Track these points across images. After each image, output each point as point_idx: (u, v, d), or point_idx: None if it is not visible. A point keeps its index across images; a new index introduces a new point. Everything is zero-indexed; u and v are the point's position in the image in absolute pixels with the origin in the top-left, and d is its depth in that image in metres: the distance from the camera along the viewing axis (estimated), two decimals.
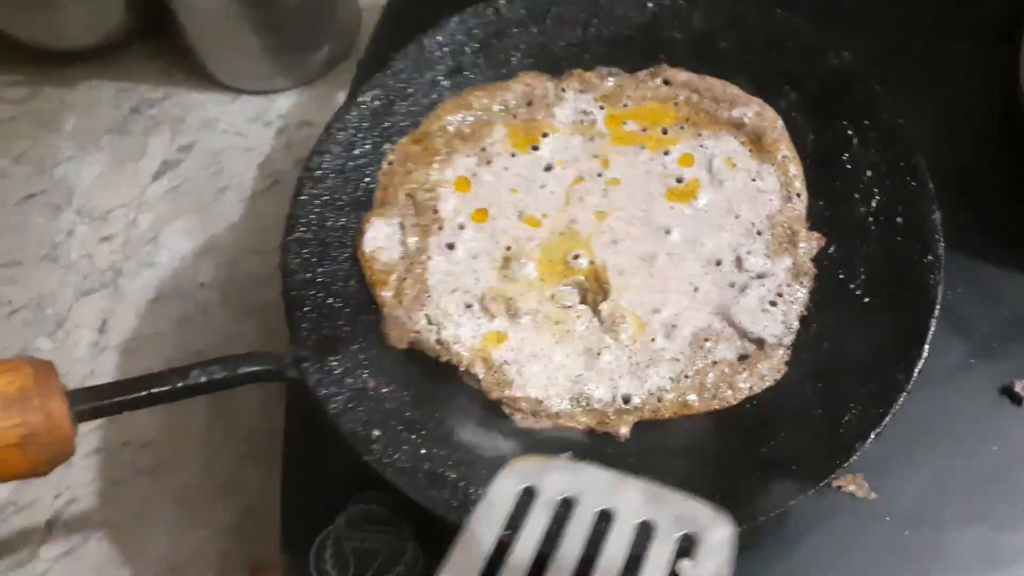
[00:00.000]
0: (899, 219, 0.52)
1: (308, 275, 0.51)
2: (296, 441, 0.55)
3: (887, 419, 0.46)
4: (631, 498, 0.35)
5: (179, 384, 0.45)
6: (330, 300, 0.51)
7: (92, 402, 0.44)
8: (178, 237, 0.68)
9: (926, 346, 0.47)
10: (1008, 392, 0.53)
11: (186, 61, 0.73)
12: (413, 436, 0.48)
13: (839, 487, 0.51)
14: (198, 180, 0.70)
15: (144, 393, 0.45)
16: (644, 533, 0.35)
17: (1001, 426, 0.52)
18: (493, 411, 0.50)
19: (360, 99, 0.56)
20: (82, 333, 0.65)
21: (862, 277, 0.52)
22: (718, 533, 0.34)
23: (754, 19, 0.57)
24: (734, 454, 0.48)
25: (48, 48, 0.73)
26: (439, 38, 0.58)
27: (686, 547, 0.34)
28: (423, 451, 0.48)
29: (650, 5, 0.58)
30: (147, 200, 0.70)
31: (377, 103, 0.56)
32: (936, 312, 0.48)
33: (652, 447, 0.49)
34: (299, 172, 0.54)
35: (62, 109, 0.74)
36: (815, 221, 0.54)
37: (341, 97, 0.70)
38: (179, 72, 0.74)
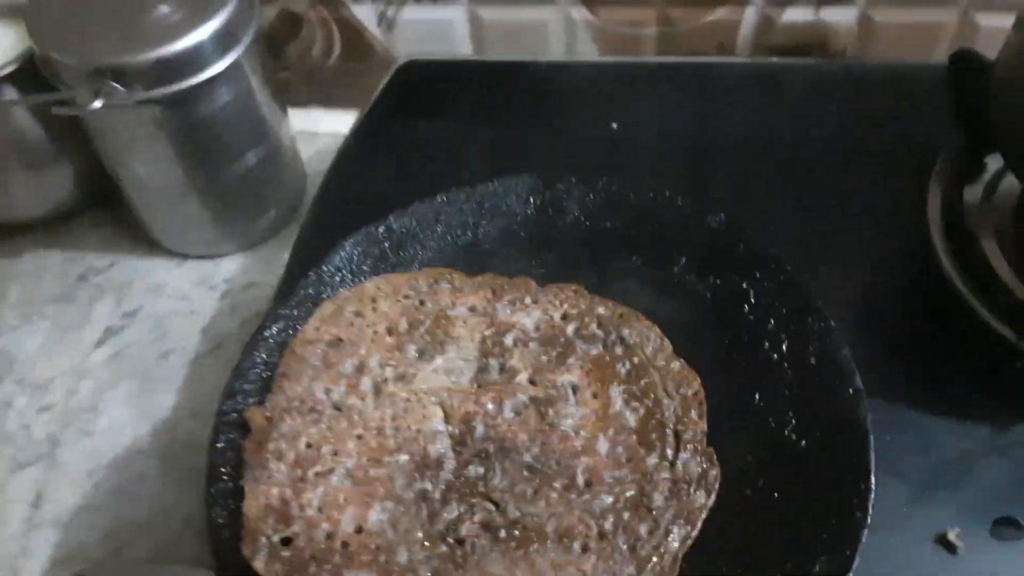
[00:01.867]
0: (812, 359, 0.51)
1: (235, 527, 0.48)
2: None
3: (857, 559, 0.43)
4: None
5: None
6: None
7: None
8: (118, 404, 0.64)
9: (872, 478, 0.45)
10: (942, 541, 0.50)
11: (133, 229, 0.71)
12: None
13: None
14: (141, 345, 0.67)
15: None
16: None
17: (937, 574, 0.49)
18: None
19: (265, 333, 0.54)
20: (15, 508, 0.60)
21: (792, 421, 0.49)
22: None
23: (630, 199, 0.58)
24: None
25: None
26: (336, 263, 0.57)
27: None
28: None
29: (532, 200, 0.59)
30: (89, 367, 0.66)
31: (285, 334, 0.54)
32: (871, 443, 0.47)
33: None
34: (217, 405, 0.51)
35: (7, 279, 0.71)
36: (731, 373, 0.53)
37: (286, 258, 0.67)
38: (125, 239, 0.72)
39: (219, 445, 0.50)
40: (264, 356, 0.53)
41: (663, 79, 0.77)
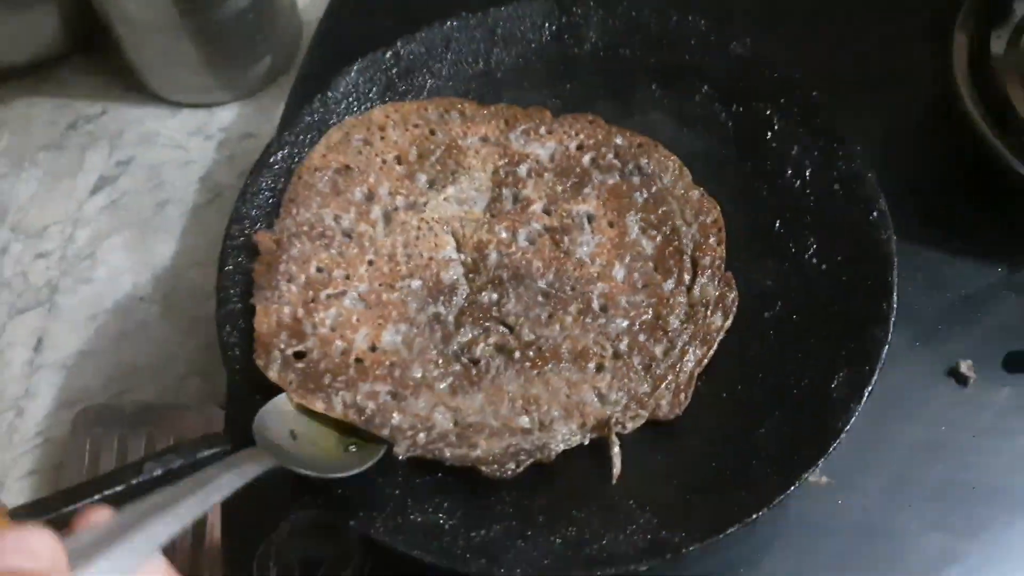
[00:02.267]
0: (836, 186, 0.50)
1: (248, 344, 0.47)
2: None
3: (875, 376, 0.43)
4: None
5: (134, 481, 0.41)
6: None
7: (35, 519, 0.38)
8: (117, 252, 0.63)
9: (894, 297, 0.45)
10: (954, 374, 0.51)
11: (124, 76, 0.68)
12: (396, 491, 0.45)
13: None
14: (137, 194, 0.66)
15: (97, 497, 0.40)
16: None
17: (948, 407, 0.51)
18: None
19: (270, 159, 0.52)
20: (16, 351, 0.59)
21: (813, 246, 0.49)
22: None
23: (651, 23, 0.56)
24: (732, 441, 0.45)
25: None
26: (341, 89, 0.55)
27: None
28: (409, 501, 0.44)
29: (547, 26, 0.57)
30: (84, 216, 0.65)
31: (291, 161, 0.53)
32: (895, 264, 0.46)
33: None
34: (224, 234, 0.50)
35: None
36: (752, 201, 0.52)
37: (282, 108, 0.65)
38: (117, 87, 0.69)
39: (227, 268, 0.49)
40: (270, 182, 0.52)
41: None
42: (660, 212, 0.51)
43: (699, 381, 0.47)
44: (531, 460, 0.44)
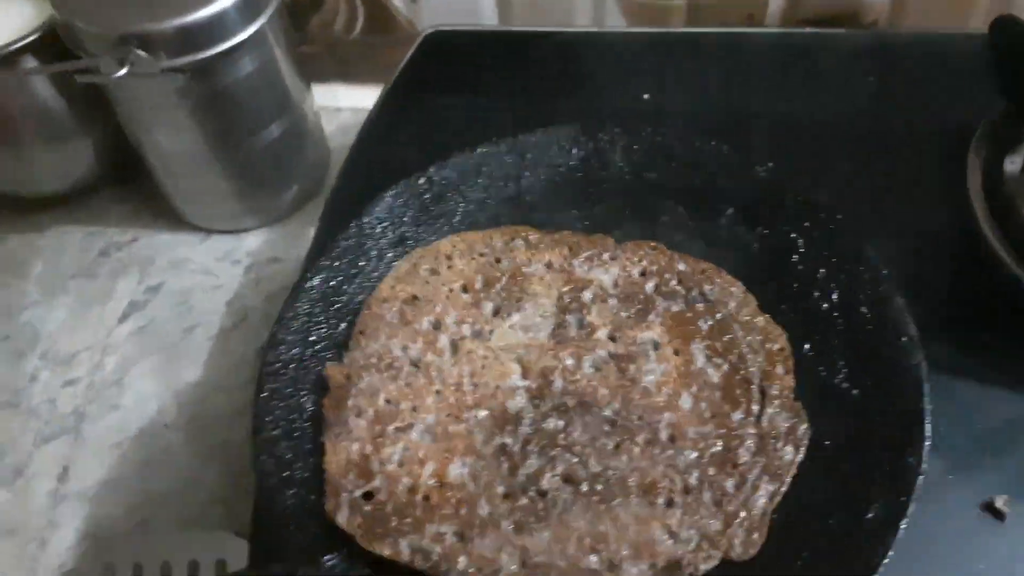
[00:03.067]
0: (863, 308, 0.50)
1: (285, 474, 0.48)
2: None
3: (911, 506, 0.43)
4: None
5: None
6: (312, 496, 0.48)
7: None
8: (144, 378, 0.64)
9: (926, 424, 0.45)
10: (990, 508, 0.50)
11: (155, 204, 0.71)
12: None
13: None
14: (166, 320, 0.67)
15: None
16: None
17: (985, 543, 0.49)
18: None
19: (307, 284, 0.54)
20: (41, 481, 0.59)
21: (844, 371, 0.49)
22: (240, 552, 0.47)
23: (674, 147, 0.58)
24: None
25: (18, 195, 0.71)
26: (376, 214, 0.57)
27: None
28: None
29: (575, 151, 0.59)
30: (113, 342, 0.66)
31: (326, 286, 0.54)
32: (926, 390, 0.46)
33: None
34: (258, 361, 0.52)
35: (31, 254, 0.71)
36: (780, 323, 0.52)
37: (310, 233, 0.67)
38: (148, 215, 0.73)
39: (263, 395, 0.49)
40: (306, 307, 0.53)
41: (693, 50, 0.77)
42: (725, 339, 0.51)
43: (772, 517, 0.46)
44: None
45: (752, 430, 0.48)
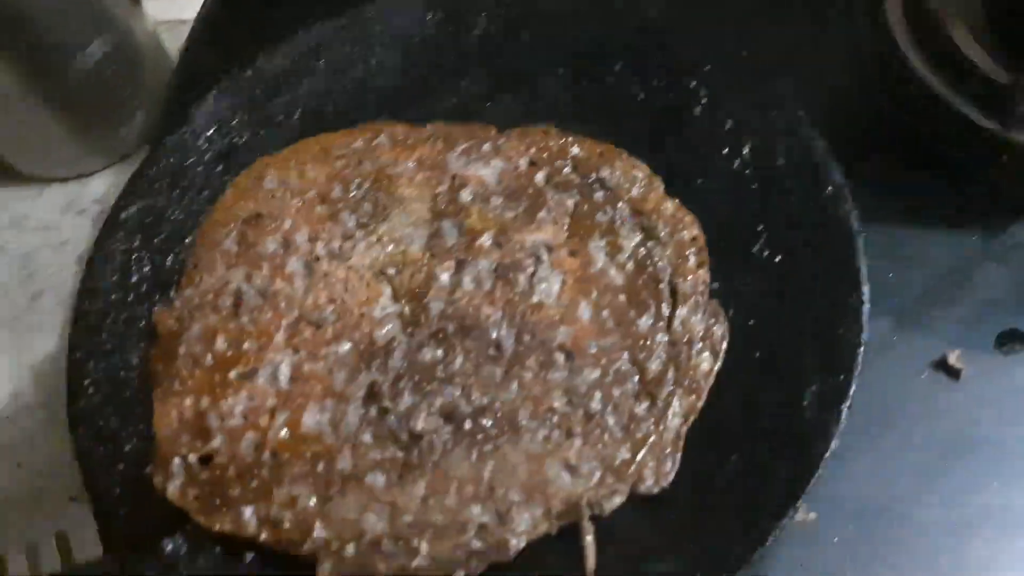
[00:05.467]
0: (780, 160, 0.46)
1: (110, 446, 0.43)
2: None
3: (853, 386, 0.39)
4: None
5: None
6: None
7: None
8: None
9: (863, 288, 0.41)
10: (943, 366, 0.47)
11: None
12: None
13: None
14: (8, 288, 0.61)
15: None
16: None
17: (940, 404, 0.46)
18: None
19: (121, 216, 0.48)
20: None
21: (763, 236, 0.45)
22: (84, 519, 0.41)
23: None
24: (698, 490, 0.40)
25: None
26: (200, 121, 0.51)
27: None
28: None
29: (428, 16, 0.54)
30: None
31: (145, 216, 0.49)
32: (860, 246, 0.42)
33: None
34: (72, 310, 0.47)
35: None
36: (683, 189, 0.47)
37: None
38: None
39: (76, 355, 0.44)
40: (123, 244, 0.48)
41: None
42: (628, 233, 0.46)
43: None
44: (485, 565, 0.39)
45: (662, 336, 0.43)
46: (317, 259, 0.47)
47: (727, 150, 0.47)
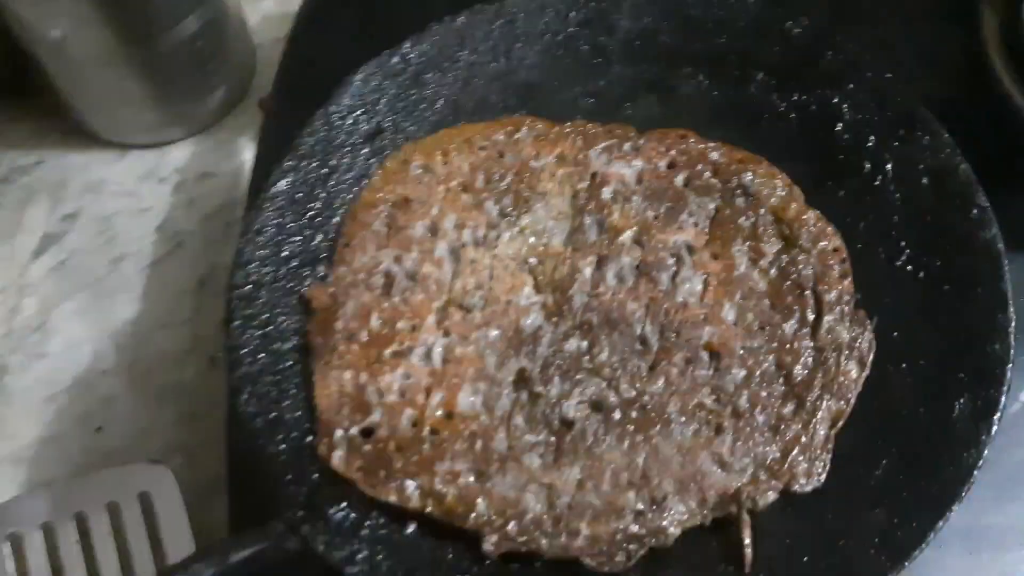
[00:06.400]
0: (924, 180, 0.47)
1: (272, 415, 0.43)
2: None
3: (1003, 399, 0.40)
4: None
5: None
6: (308, 439, 0.43)
7: None
8: (70, 320, 0.59)
9: (1010, 307, 0.42)
10: None
11: (60, 119, 0.64)
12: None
13: None
14: (88, 252, 0.61)
15: None
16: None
17: None
18: None
19: (272, 191, 0.48)
20: None
21: (906, 252, 0.46)
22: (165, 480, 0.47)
23: (690, 4, 0.53)
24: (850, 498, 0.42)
25: None
26: (346, 102, 0.51)
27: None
28: None
29: (572, 14, 0.54)
30: (29, 282, 0.60)
31: (295, 191, 0.49)
32: (1005, 266, 0.43)
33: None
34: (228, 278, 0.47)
35: None
36: (826, 203, 0.48)
37: (242, 143, 0.63)
38: (53, 132, 0.65)
39: (235, 323, 0.44)
40: (275, 218, 0.48)
41: None
42: (771, 239, 0.47)
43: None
44: (644, 549, 0.40)
45: (808, 342, 0.44)
46: (463, 246, 0.47)
47: (868, 167, 0.48)
